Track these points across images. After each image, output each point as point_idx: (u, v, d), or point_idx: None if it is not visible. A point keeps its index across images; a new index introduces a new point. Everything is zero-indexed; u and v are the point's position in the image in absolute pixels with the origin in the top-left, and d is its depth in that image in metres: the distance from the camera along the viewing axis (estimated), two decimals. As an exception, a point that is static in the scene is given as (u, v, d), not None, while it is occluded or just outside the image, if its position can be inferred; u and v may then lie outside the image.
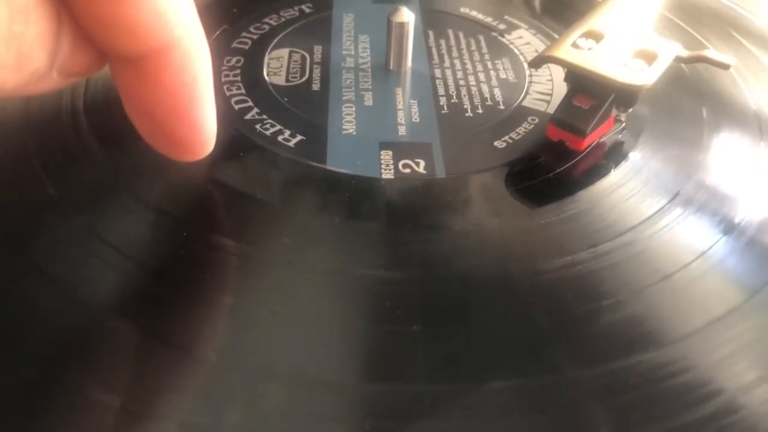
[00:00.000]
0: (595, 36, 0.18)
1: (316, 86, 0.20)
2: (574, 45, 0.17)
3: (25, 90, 0.12)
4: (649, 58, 0.17)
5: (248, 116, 0.19)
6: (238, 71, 0.20)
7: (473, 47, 0.22)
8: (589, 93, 0.17)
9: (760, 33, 0.24)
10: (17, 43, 0.11)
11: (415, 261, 0.15)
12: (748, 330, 0.14)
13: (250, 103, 0.19)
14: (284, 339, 0.13)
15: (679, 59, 0.17)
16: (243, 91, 0.20)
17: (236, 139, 0.18)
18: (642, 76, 0.16)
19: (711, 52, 0.17)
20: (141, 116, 0.14)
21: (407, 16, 0.20)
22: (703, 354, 0.13)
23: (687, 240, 0.16)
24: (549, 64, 0.19)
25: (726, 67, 0.17)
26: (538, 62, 0.17)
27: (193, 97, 0.14)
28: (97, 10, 0.12)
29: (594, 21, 0.18)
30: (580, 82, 0.17)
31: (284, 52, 0.21)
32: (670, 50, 0.17)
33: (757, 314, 0.14)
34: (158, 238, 0.15)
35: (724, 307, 0.14)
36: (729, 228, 0.16)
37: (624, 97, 0.17)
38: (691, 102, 0.20)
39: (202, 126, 0.14)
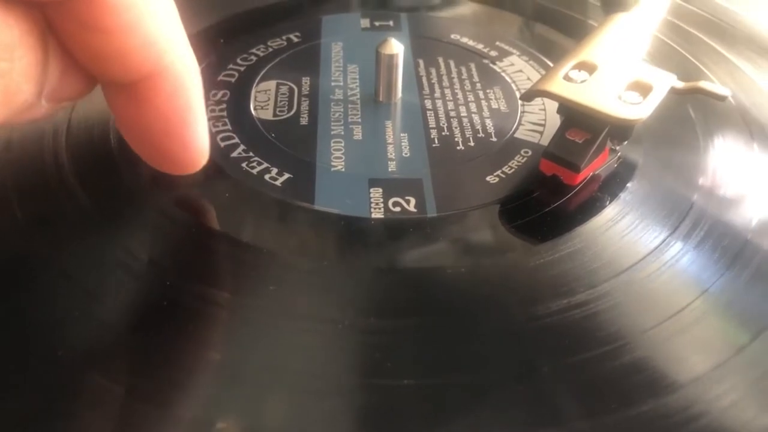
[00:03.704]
0: (588, 67, 0.17)
1: (304, 120, 0.19)
2: (567, 77, 0.17)
3: (13, 120, 0.12)
4: (644, 89, 0.16)
5: (234, 154, 0.18)
6: (224, 105, 0.20)
7: (464, 76, 0.22)
8: (583, 127, 0.16)
9: (751, 40, 0.23)
10: (4, 81, 0.11)
11: (407, 308, 0.14)
12: (758, 372, 0.13)
13: (237, 140, 0.19)
14: (268, 395, 0.12)
15: (674, 90, 0.17)
16: (229, 126, 0.19)
17: (222, 179, 0.17)
18: (637, 110, 0.16)
19: (706, 84, 0.17)
20: (134, 135, 0.15)
21: (396, 47, 0.19)
22: (711, 400, 0.13)
23: (689, 276, 0.15)
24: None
25: (722, 98, 0.17)
26: (529, 96, 0.17)
27: (186, 118, 0.14)
28: (88, 40, 0.12)
29: (587, 51, 0.18)
30: (574, 115, 0.16)
31: (272, 85, 0.21)
32: (665, 81, 0.17)
33: (766, 354, 0.14)
34: (139, 286, 0.14)
35: (731, 348, 0.14)
36: (732, 261, 0.15)
37: (619, 130, 0.16)
38: (686, 125, 0.19)
39: (196, 144, 0.15)
